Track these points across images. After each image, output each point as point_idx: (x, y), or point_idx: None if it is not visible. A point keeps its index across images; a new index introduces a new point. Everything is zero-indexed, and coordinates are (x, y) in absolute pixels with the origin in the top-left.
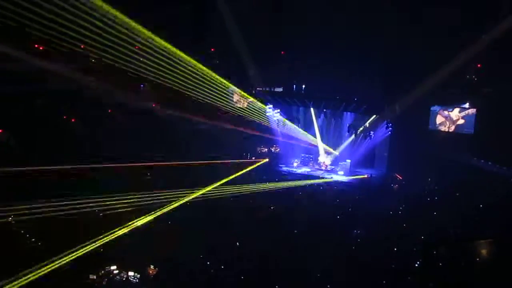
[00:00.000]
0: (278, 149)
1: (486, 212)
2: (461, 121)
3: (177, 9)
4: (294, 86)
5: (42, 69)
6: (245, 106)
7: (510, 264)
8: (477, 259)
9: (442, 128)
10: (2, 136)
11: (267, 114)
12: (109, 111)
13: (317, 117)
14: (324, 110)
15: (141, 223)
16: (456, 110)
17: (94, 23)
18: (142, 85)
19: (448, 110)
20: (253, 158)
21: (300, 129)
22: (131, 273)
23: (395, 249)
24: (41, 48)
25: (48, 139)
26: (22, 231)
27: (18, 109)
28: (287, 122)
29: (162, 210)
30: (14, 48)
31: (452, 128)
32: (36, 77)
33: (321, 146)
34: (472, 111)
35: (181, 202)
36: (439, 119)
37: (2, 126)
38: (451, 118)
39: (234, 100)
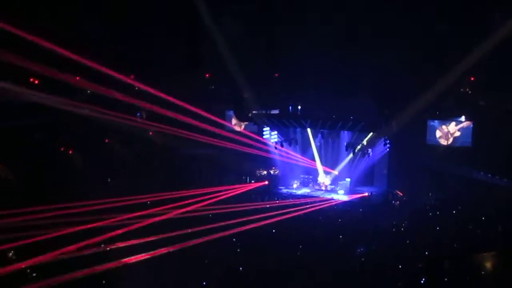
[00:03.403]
0: (278, 171)
1: (489, 225)
2: (457, 134)
3: (171, 37)
4: (290, 107)
5: (38, 102)
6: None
7: None
8: (482, 272)
9: (443, 142)
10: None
11: (264, 136)
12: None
13: (315, 137)
14: (321, 130)
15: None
16: (453, 124)
17: None
18: (138, 114)
19: (446, 124)
20: (253, 181)
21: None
22: None
23: (400, 266)
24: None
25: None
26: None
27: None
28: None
29: None
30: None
31: (450, 141)
32: (33, 110)
33: (320, 166)
34: (469, 123)
35: None
36: (438, 133)
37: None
38: (449, 131)
39: (232, 123)
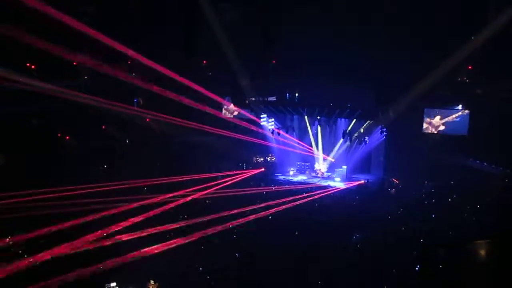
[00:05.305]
0: (274, 158)
1: (484, 213)
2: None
3: (169, 25)
4: (287, 94)
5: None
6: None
7: (509, 264)
8: (477, 260)
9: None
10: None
11: (261, 123)
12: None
13: (312, 124)
14: (318, 117)
15: None
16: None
17: None
18: (135, 100)
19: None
20: (250, 168)
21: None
22: None
23: (395, 253)
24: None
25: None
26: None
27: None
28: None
29: None
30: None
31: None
32: (30, 96)
33: (318, 154)
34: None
35: None
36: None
37: None
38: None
39: (223, 112)
